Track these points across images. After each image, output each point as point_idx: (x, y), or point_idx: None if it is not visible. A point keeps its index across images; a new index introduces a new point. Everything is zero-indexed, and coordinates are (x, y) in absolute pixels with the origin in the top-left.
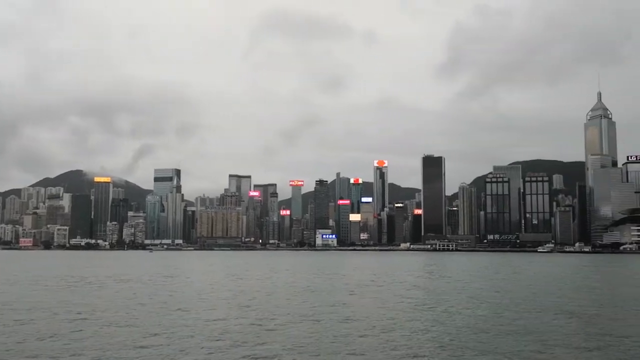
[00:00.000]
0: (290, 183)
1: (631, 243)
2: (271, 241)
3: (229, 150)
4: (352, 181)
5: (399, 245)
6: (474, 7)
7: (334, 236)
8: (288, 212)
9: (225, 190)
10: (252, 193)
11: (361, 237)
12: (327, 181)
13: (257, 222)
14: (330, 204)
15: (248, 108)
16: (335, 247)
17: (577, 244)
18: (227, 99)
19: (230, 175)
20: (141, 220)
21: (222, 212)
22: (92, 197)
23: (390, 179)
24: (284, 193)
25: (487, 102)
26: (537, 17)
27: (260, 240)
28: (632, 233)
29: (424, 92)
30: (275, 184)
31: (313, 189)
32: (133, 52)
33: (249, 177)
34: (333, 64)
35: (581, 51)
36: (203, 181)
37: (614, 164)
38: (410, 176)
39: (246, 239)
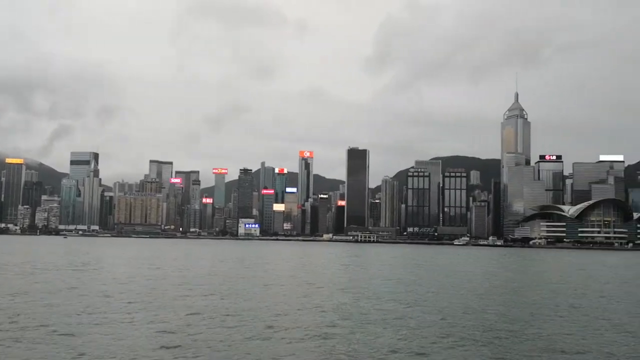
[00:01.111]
0: (214, 171)
1: (540, 238)
2: (192, 230)
3: (151, 135)
4: (277, 171)
5: (322, 236)
6: (405, 1)
7: (257, 226)
8: (210, 200)
9: (145, 176)
10: (174, 180)
11: (284, 227)
12: (251, 170)
13: (178, 209)
14: (254, 193)
15: (173, 92)
16: (258, 236)
17: (490, 238)
18: (152, 81)
19: (151, 161)
20: (55, 205)
21: (141, 199)
22: (3, 179)
23: (316, 169)
24: (207, 181)
25: (413, 96)
26: (464, 15)
27: (181, 229)
28: (542, 228)
29: (352, 84)
30: (198, 171)
31: (237, 178)
32: (53, 29)
33: (171, 163)
34: (263, 52)
35: (504, 52)
36: (122, 166)
37: (528, 162)
38: (335, 168)
39: (166, 227)
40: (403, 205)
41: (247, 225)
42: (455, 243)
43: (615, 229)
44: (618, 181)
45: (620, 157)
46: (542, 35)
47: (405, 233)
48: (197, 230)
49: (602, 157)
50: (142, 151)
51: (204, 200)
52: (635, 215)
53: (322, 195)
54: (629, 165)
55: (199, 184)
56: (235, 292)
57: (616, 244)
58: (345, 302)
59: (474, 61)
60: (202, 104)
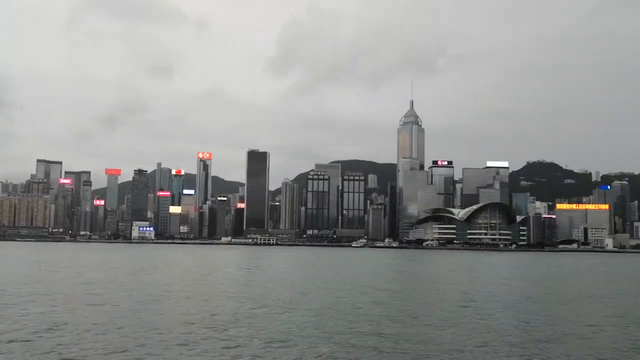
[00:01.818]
0: (107, 171)
1: (432, 239)
2: (82, 232)
3: (39, 133)
4: (173, 172)
5: (220, 239)
6: (307, 4)
7: (151, 229)
8: (102, 202)
9: (32, 176)
10: (63, 180)
11: (181, 230)
12: (146, 171)
13: (67, 211)
14: (149, 195)
15: (64, 88)
16: (152, 240)
17: (386, 240)
18: (40, 76)
19: (39, 160)
20: None
21: (27, 200)
22: None
23: (214, 171)
24: (99, 182)
25: (314, 100)
26: (364, 22)
27: (70, 232)
28: (434, 230)
29: (253, 85)
30: (90, 172)
31: (131, 179)
32: None
33: (60, 163)
34: (162, 49)
35: (401, 60)
36: (7, 165)
37: (422, 167)
38: (234, 170)
39: (54, 230)
40: (303, 208)
41: (141, 229)
42: (353, 245)
43: (501, 231)
44: (503, 186)
45: (505, 164)
46: (438, 45)
47: (304, 235)
48: (88, 233)
49: (489, 164)
50: (29, 150)
51: (95, 202)
52: (519, 218)
53: (220, 198)
54: (513, 171)
55: (90, 185)
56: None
57: (501, 245)
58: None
59: (373, 67)
60: (96, 101)
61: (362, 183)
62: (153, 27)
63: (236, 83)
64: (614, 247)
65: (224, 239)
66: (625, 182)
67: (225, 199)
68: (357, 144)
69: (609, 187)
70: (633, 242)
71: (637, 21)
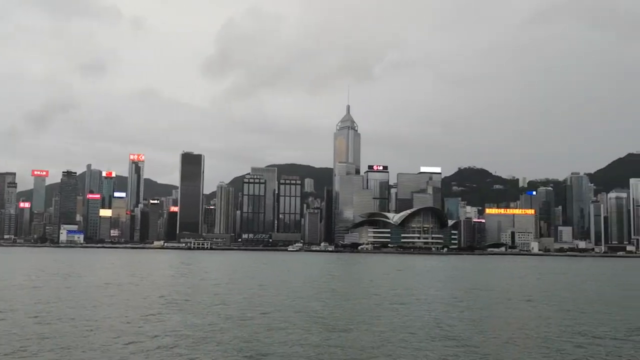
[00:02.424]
0: (33, 173)
1: (367, 243)
2: (6, 236)
3: None
4: (104, 174)
5: (152, 243)
6: (247, 6)
7: (80, 232)
8: (28, 204)
9: None
10: None
11: (111, 234)
12: (76, 173)
13: None
14: (78, 197)
15: None
16: (82, 244)
17: (322, 244)
18: None
19: None
20: None
21: None
22: None
23: (147, 174)
24: (25, 184)
25: (252, 103)
26: (305, 27)
27: None
28: (369, 234)
29: (190, 87)
30: (15, 173)
31: (59, 181)
32: None
33: None
34: (95, 47)
35: (340, 65)
36: None
37: (357, 171)
38: (168, 172)
39: None
40: (238, 212)
41: (69, 232)
42: (289, 249)
43: (433, 235)
44: (436, 191)
45: (438, 169)
46: (376, 51)
47: (240, 240)
48: (12, 237)
49: (423, 169)
50: None
51: (20, 204)
52: (450, 222)
53: (153, 201)
54: (445, 177)
55: (15, 187)
56: None
57: (433, 249)
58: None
59: (312, 72)
60: (23, 99)
61: (298, 187)
62: (86, 24)
63: (172, 84)
64: (539, 250)
65: (156, 243)
66: (550, 188)
67: (157, 202)
68: (294, 148)
69: (535, 192)
70: (557, 246)
71: (565, 33)
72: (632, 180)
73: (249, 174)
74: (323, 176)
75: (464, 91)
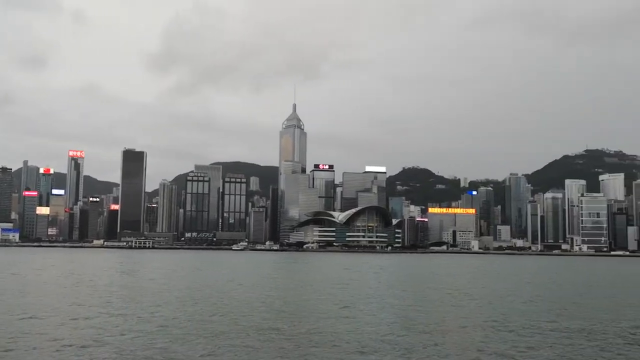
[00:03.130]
0: None
1: (313, 242)
2: None
3: None
4: (42, 171)
5: (92, 242)
6: (193, 2)
7: (16, 231)
8: None
9: None
10: None
11: (49, 233)
12: (11, 169)
13: None
14: (13, 194)
15: None
16: (17, 243)
17: (267, 243)
18: None
19: None
20: None
21: None
22: None
23: (87, 171)
24: None
25: (197, 100)
26: (251, 24)
27: None
28: (314, 233)
29: (133, 82)
30: None
31: None
32: None
33: None
34: (33, 40)
35: (287, 63)
36: None
37: (303, 170)
38: (108, 170)
39: None
40: (181, 210)
41: (4, 231)
42: (233, 248)
43: (378, 234)
44: (381, 190)
45: (383, 169)
46: (322, 50)
47: (183, 238)
48: None
49: (368, 168)
50: None
51: None
52: (394, 221)
53: (93, 199)
54: (390, 176)
55: None
56: None
57: (378, 247)
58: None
59: (258, 69)
60: None
61: (243, 185)
62: (24, 15)
63: (114, 79)
64: (479, 248)
65: (96, 242)
66: (490, 188)
67: (97, 199)
68: (240, 145)
69: (475, 192)
70: (496, 244)
71: (504, 38)
72: (567, 181)
73: (192, 171)
74: (269, 175)
75: (409, 91)
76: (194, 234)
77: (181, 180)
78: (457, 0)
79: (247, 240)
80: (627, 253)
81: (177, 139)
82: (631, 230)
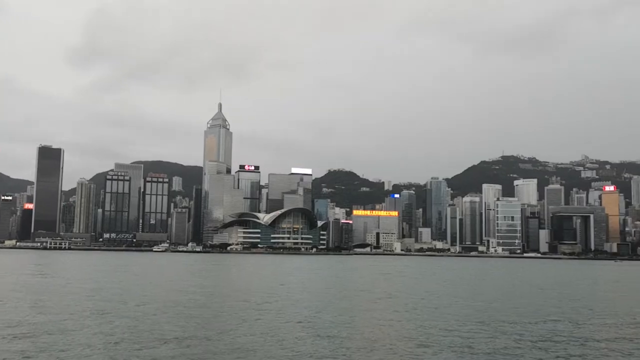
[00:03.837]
0: None
1: (237, 243)
2: None
3: None
4: None
5: (4, 243)
6: None
7: None
8: None
9: None
10: None
11: None
12: None
13: None
14: None
15: None
16: None
17: (190, 244)
18: None
19: None
20: None
21: None
22: None
23: None
24: None
25: (121, 96)
26: (181, 21)
27: None
28: (239, 235)
29: (51, 77)
30: None
31: None
32: None
33: None
34: None
35: (215, 62)
36: None
37: (228, 171)
38: (22, 167)
39: None
40: (100, 210)
41: None
42: (154, 249)
43: (303, 235)
44: (306, 192)
45: (309, 171)
46: (253, 50)
47: (101, 239)
48: None
49: (294, 170)
50: None
51: None
52: (320, 223)
53: (5, 197)
54: (316, 178)
55: None
56: None
57: (303, 249)
58: None
59: (186, 67)
60: None
61: (166, 185)
62: None
63: (31, 72)
64: (401, 250)
65: (7, 243)
66: (412, 191)
67: (10, 198)
68: (163, 144)
69: (398, 195)
70: (417, 246)
71: (438, 43)
72: (484, 186)
73: (112, 170)
74: (192, 175)
75: (337, 94)
76: (113, 234)
77: (100, 179)
78: (387, 6)
79: (168, 241)
80: (539, 255)
81: (98, 136)
82: (542, 233)
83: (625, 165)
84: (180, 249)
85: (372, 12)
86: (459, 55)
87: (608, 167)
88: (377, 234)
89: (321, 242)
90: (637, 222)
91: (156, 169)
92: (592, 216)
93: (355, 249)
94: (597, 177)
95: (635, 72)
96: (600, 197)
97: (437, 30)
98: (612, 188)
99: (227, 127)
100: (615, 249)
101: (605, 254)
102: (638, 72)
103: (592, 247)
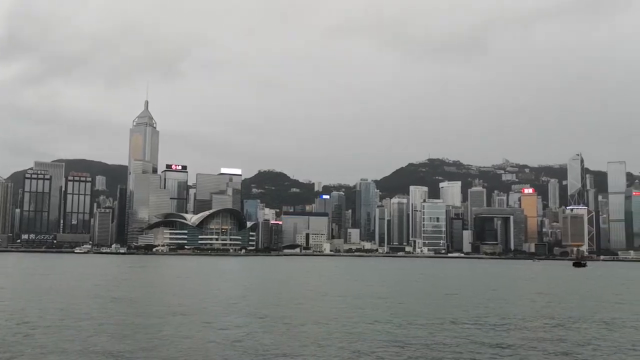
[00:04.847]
0: None
1: (163, 245)
2: None
3: None
4: None
5: None
6: None
7: None
8: None
9: None
10: None
11: None
12: None
13: None
14: None
15: None
16: None
17: (113, 246)
18: None
19: None
20: None
21: None
22: None
23: None
24: None
25: (42, 92)
26: (109, 15)
27: None
28: (165, 236)
29: None
30: None
31: None
32: None
33: None
34: None
35: (144, 58)
36: None
37: (155, 170)
38: None
39: None
40: (18, 210)
41: None
42: (76, 251)
43: (231, 236)
44: (235, 192)
45: (238, 171)
46: (183, 48)
47: (19, 240)
48: None
49: (223, 170)
50: None
51: None
52: (249, 224)
53: None
54: (245, 179)
55: None
56: None
57: (231, 250)
58: None
59: (113, 63)
60: None
61: (88, 184)
62: None
63: None
64: (330, 251)
65: None
66: (342, 193)
67: None
68: (86, 142)
69: (328, 197)
70: (346, 247)
71: (368, 47)
72: (411, 188)
73: (31, 168)
74: (117, 174)
75: (268, 94)
76: (32, 235)
77: (19, 178)
78: (320, 9)
79: (91, 242)
80: (462, 255)
81: (17, 133)
82: (466, 234)
83: (543, 169)
84: (104, 251)
85: (303, 13)
86: (387, 59)
87: (527, 170)
88: (307, 234)
89: (250, 243)
90: (554, 224)
91: (78, 168)
92: (512, 217)
93: (285, 250)
94: (517, 180)
95: (551, 80)
96: (519, 199)
97: (366, 35)
98: (530, 191)
99: (154, 125)
100: (533, 249)
101: (524, 254)
102: (555, 80)
103: (512, 247)
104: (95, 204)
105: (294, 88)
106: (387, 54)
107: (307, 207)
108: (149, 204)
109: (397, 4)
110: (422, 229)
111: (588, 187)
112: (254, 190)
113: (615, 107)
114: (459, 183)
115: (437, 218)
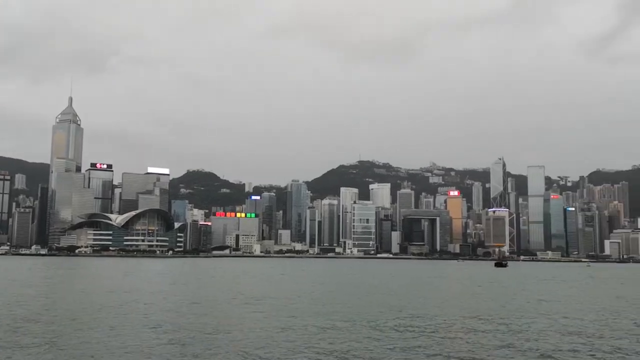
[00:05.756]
0: None
1: (86, 246)
2: None
3: None
4: None
5: None
6: None
7: None
8: None
9: None
10: None
11: None
12: None
13: None
14: None
15: None
16: None
17: (34, 247)
18: None
19: None
20: None
21: None
22: None
23: None
24: None
25: None
26: (34, 8)
27: None
28: (88, 237)
29: None
30: None
31: None
32: None
33: None
34: None
35: (69, 54)
36: None
37: (78, 169)
38: None
39: None
40: None
41: None
42: None
43: (158, 237)
44: (163, 193)
45: (166, 171)
46: (112, 43)
47: None
48: None
49: (150, 170)
50: None
51: None
52: (177, 225)
53: None
54: (173, 179)
55: None
56: None
57: (158, 252)
58: None
59: (37, 57)
60: None
61: (7, 183)
62: None
63: None
64: (260, 252)
65: None
66: (272, 193)
67: None
68: (5, 139)
69: (259, 197)
70: (277, 248)
71: (306, 47)
72: (342, 189)
73: None
74: (37, 172)
75: (198, 93)
76: None
77: None
78: (258, 8)
79: (9, 243)
80: (391, 255)
81: None
82: (395, 235)
83: (468, 172)
84: (23, 252)
85: (239, 12)
86: (320, 61)
87: (453, 173)
88: (237, 235)
89: (178, 244)
90: (477, 225)
91: None
92: (438, 219)
93: (214, 252)
94: (444, 182)
95: (477, 86)
96: (445, 201)
97: (304, 35)
98: (456, 193)
99: (78, 122)
100: (458, 250)
101: (450, 254)
102: (480, 86)
103: (438, 248)
104: (14, 204)
105: (224, 87)
106: (320, 55)
107: (238, 208)
108: (72, 204)
109: (333, 7)
110: (352, 230)
111: (509, 190)
112: (183, 190)
113: (537, 115)
114: (388, 185)
115: (367, 219)
